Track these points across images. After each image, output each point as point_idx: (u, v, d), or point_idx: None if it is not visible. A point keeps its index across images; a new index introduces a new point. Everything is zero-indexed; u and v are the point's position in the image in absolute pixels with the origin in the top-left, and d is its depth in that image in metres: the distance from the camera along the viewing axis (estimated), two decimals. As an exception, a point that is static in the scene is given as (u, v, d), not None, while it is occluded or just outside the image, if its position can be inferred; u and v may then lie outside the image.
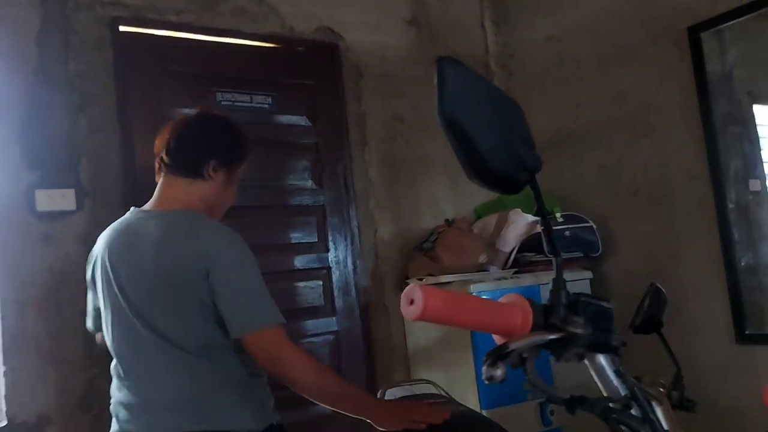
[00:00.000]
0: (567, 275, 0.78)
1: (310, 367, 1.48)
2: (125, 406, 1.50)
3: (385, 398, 1.76)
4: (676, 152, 2.58)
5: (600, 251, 2.77)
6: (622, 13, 2.76)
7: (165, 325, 1.46)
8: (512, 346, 0.67)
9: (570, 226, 2.71)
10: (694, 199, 2.54)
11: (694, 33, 2.54)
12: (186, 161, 1.58)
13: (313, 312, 2.66)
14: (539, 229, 2.66)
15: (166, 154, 1.58)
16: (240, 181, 1.70)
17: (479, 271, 2.67)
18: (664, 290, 1.17)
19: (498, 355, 0.66)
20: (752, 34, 2.52)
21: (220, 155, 1.60)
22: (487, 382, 0.66)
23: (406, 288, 0.70)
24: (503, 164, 0.72)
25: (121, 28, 2.37)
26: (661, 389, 1.02)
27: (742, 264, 2.45)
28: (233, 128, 1.68)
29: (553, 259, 0.77)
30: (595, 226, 2.76)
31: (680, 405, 1.04)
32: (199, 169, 1.57)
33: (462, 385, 2.44)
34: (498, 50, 3.26)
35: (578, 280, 2.69)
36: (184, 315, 1.46)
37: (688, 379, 1.07)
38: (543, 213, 0.78)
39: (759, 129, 2.59)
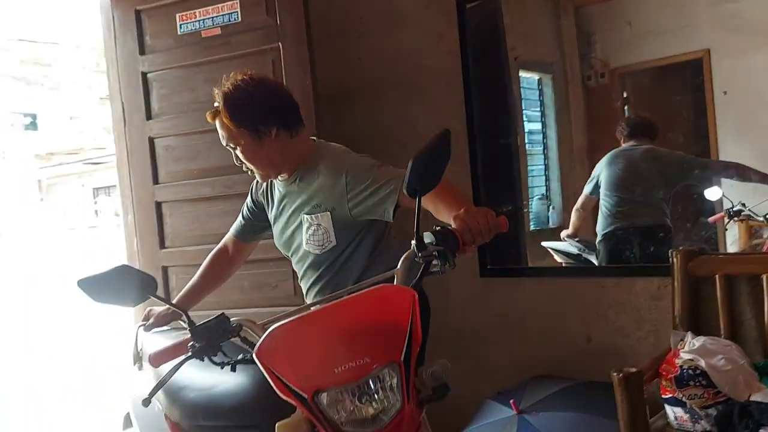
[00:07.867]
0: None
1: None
2: None
3: (138, 336, 1.96)
4: (439, 112, 2.91)
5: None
6: (401, -23, 2.97)
7: None
8: None
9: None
10: (453, 155, 2.88)
11: (461, 3, 2.84)
12: None
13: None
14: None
15: None
16: None
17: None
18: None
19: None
20: (518, 6, 2.87)
21: None
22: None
23: None
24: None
25: None
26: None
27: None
28: None
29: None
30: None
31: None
32: None
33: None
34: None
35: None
36: None
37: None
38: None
39: (523, 92, 2.98)
